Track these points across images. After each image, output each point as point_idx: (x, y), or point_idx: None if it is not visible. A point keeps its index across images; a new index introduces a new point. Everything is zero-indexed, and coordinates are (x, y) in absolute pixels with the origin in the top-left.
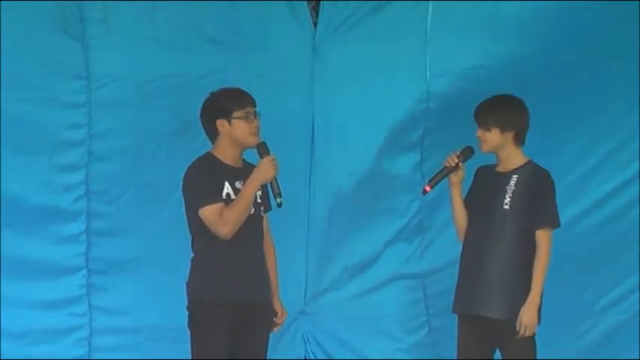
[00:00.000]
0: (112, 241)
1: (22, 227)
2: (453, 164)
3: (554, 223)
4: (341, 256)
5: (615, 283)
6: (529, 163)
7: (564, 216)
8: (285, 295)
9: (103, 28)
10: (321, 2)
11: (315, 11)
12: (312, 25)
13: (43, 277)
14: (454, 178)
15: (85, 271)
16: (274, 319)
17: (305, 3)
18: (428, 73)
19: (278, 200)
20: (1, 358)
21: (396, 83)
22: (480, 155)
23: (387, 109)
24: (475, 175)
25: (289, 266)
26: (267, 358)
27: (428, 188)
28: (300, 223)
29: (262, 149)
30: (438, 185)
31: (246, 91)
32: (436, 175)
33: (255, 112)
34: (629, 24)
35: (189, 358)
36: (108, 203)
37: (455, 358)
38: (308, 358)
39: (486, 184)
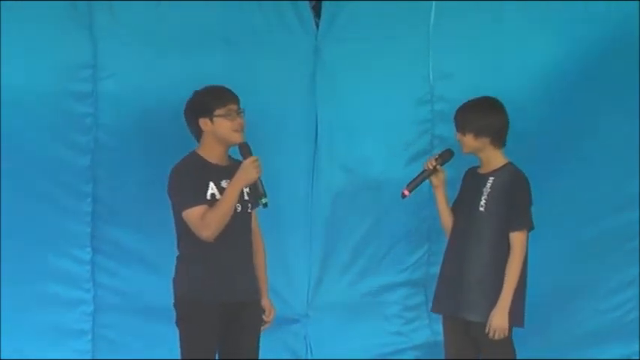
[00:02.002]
0: (116, 229)
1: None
2: (431, 167)
3: (527, 226)
4: (344, 258)
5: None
6: (507, 166)
7: None
8: (288, 296)
9: (111, 21)
10: (323, 2)
11: (317, 11)
12: (315, 26)
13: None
14: (435, 180)
15: (89, 249)
16: (263, 316)
17: (307, 3)
18: (431, 74)
19: (263, 201)
20: (1, 357)
21: (399, 84)
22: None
23: (391, 110)
24: (464, 177)
25: (291, 267)
26: (269, 358)
27: (407, 192)
28: (302, 225)
29: (245, 150)
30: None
31: (229, 88)
32: (414, 178)
33: (239, 109)
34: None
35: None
36: (113, 190)
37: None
38: (309, 358)
39: (469, 186)
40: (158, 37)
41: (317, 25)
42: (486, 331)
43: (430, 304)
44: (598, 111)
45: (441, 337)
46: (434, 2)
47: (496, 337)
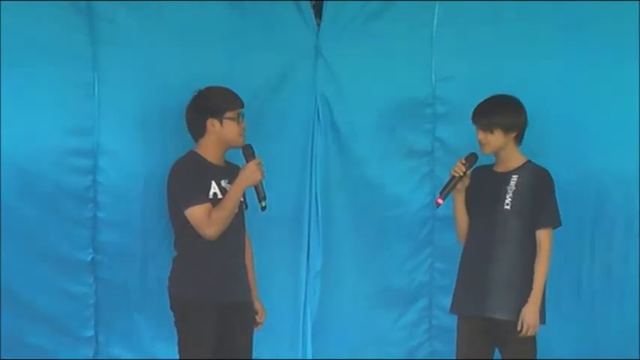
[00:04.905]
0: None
1: None
2: (462, 173)
3: (555, 222)
4: (342, 258)
5: None
6: (528, 163)
7: None
8: (288, 298)
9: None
10: (325, 2)
11: (319, 11)
12: (315, 25)
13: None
14: (460, 185)
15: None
16: (256, 317)
17: (308, 3)
18: (433, 77)
19: (263, 204)
20: (1, 357)
21: (401, 86)
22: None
23: (392, 111)
24: (470, 176)
25: (290, 265)
26: (269, 358)
27: (440, 201)
28: (301, 224)
29: (248, 152)
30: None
31: (235, 91)
32: (446, 186)
33: (243, 113)
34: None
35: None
36: (118, 180)
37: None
38: (308, 358)
39: (485, 184)
40: (159, 34)
41: (318, 25)
42: (518, 328)
43: (431, 309)
44: (600, 112)
45: (440, 344)
46: (437, 2)
47: (529, 333)
